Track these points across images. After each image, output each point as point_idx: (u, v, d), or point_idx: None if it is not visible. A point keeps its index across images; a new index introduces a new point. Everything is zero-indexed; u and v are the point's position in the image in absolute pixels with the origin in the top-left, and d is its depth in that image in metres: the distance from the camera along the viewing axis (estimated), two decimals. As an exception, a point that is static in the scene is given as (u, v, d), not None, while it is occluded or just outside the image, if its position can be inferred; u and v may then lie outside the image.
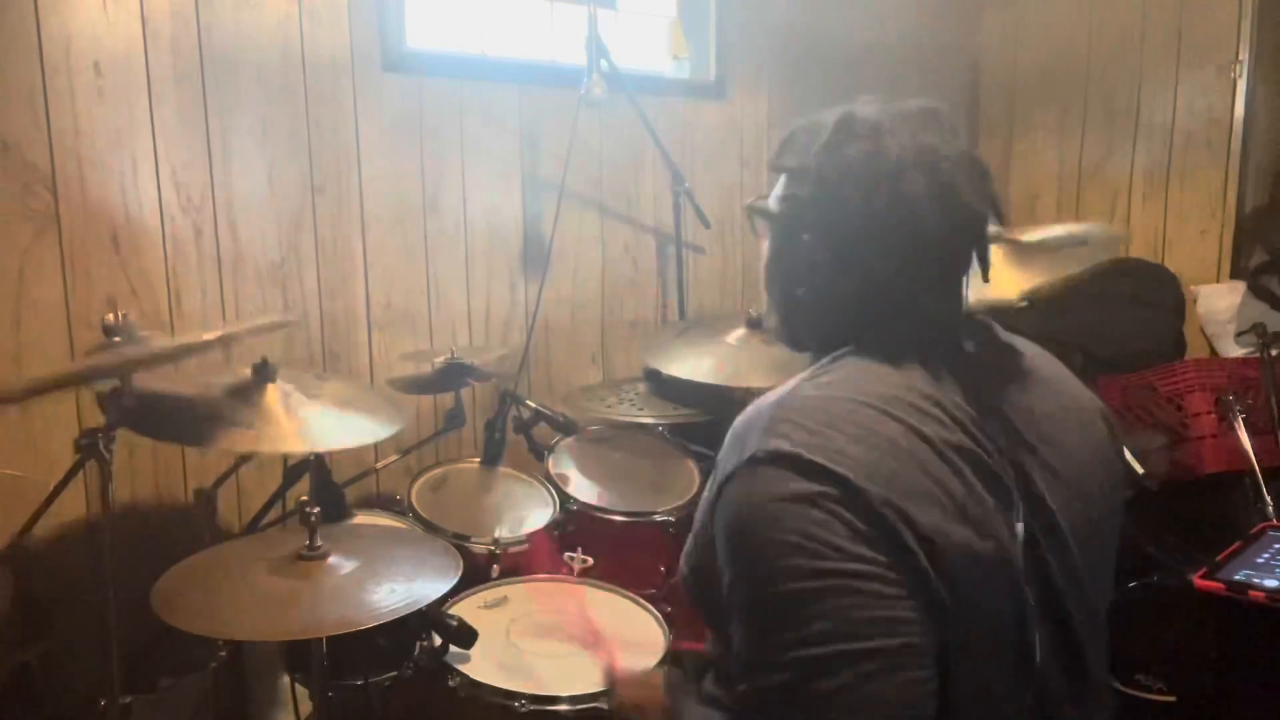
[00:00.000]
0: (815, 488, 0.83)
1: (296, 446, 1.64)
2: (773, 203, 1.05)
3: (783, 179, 1.04)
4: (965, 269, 1.02)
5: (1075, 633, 0.95)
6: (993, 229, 1.83)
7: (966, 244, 1.00)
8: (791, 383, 0.96)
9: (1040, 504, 0.93)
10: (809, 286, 1.01)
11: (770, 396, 0.94)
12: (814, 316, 1.03)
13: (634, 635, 1.69)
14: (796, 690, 0.82)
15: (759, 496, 0.86)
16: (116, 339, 1.52)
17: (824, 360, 0.98)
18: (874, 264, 0.96)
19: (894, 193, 0.94)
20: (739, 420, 0.94)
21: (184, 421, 1.60)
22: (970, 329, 1.02)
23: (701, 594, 0.98)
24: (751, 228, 1.10)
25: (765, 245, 1.08)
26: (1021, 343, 1.06)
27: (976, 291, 1.80)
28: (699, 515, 0.97)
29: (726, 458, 0.92)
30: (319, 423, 1.66)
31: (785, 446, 0.86)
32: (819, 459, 0.84)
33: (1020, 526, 0.90)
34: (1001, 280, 1.85)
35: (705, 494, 0.96)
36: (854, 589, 0.82)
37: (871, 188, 0.94)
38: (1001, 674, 0.89)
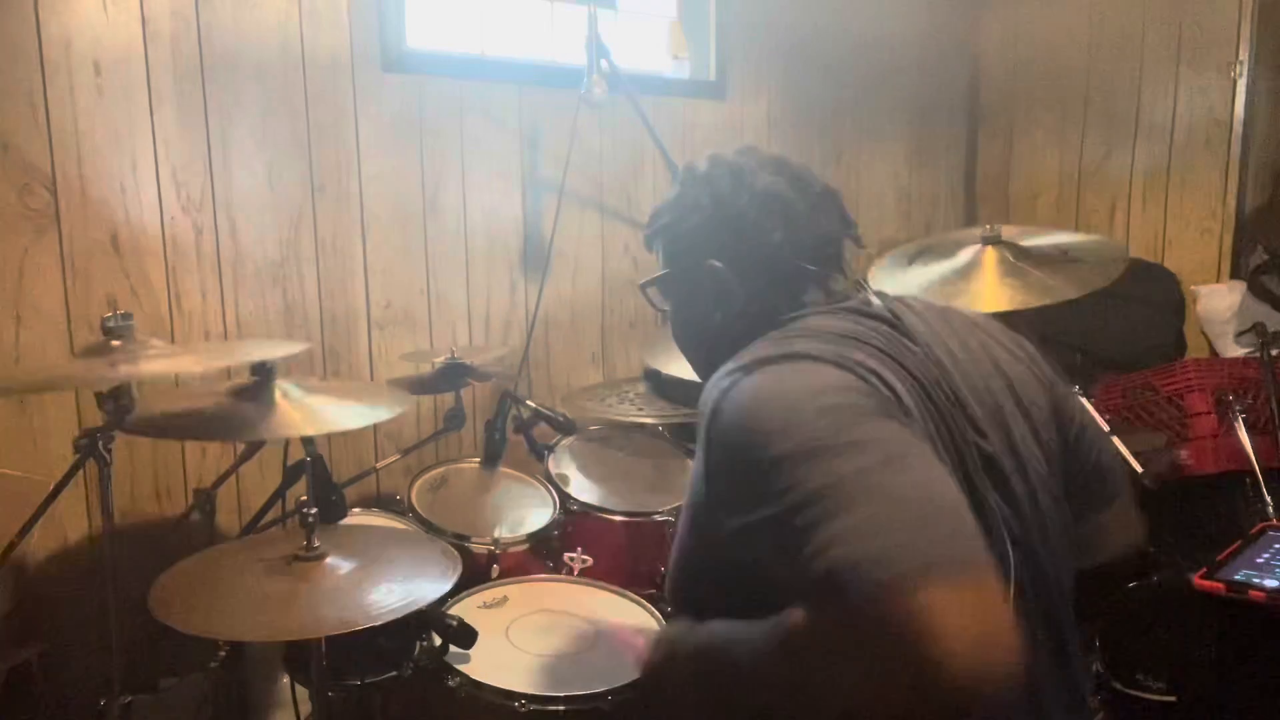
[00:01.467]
0: (820, 367, 0.91)
1: (298, 432, 1.63)
2: (660, 269, 1.19)
3: (659, 247, 1.20)
4: (841, 242, 1.15)
5: (1041, 561, 0.99)
6: (992, 229, 1.86)
7: (832, 217, 1.14)
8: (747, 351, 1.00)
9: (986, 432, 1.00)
10: (723, 306, 1.12)
11: (733, 360, 0.98)
12: (735, 329, 1.09)
13: (634, 635, 1.69)
14: (846, 507, 0.75)
15: (760, 385, 0.90)
16: (116, 342, 1.52)
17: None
18: (767, 255, 1.09)
19: (755, 189, 1.11)
20: (711, 381, 0.98)
21: (186, 421, 1.60)
22: (875, 295, 1.13)
23: (697, 588, 1.01)
24: (653, 305, 1.23)
25: (670, 313, 1.22)
26: (924, 303, 1.14)
27: (969, 302, 1.81)
28: (685, 503, 1.01)
29: (709, 394, 0.95)
30: (320, 410, 1.66)
31: (769, 353, 0.94)
32: (807, 348, 0.93)
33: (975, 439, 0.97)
34: (995, 291, 1.85)
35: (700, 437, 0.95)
36: (884, 415, 0.86)
37: (736, 191, 1.11)
38: None
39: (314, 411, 1.64)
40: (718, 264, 1.11)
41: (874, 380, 0.91)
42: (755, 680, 0.86)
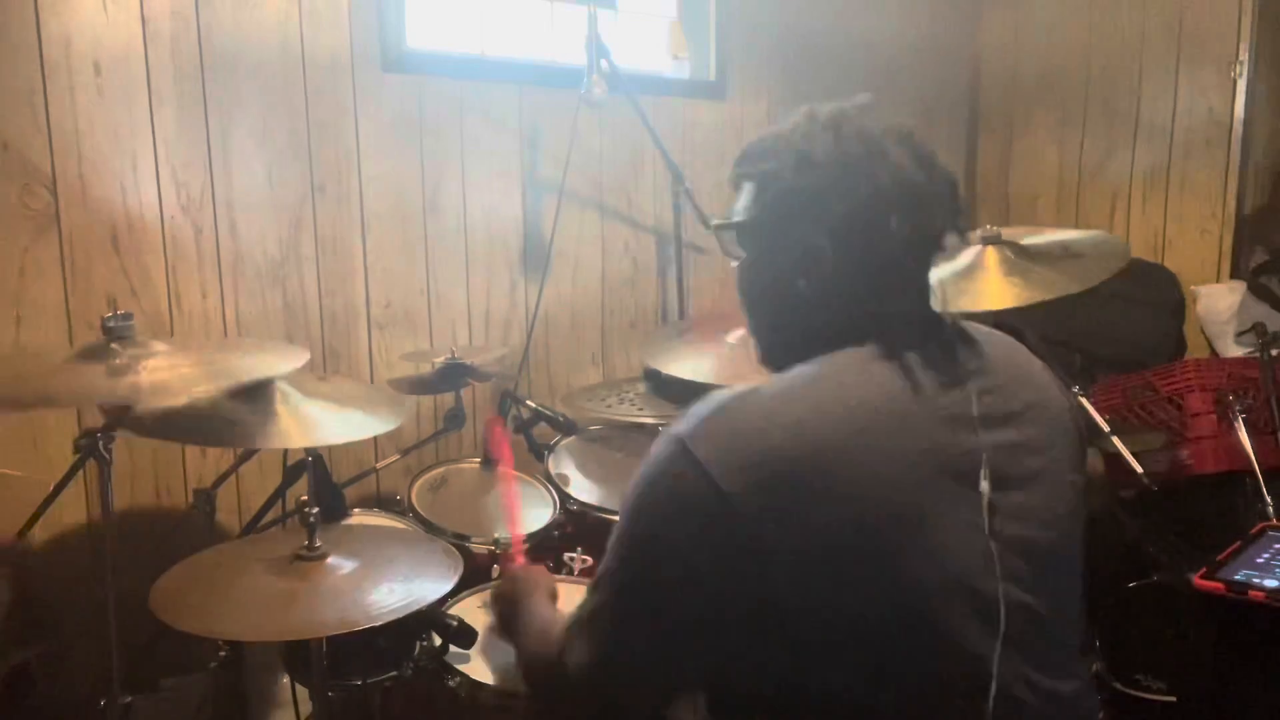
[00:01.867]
0: (690, 475, 0.90)
1: (296, 442, 1.64)
2: (744, 214, 1.06)
3: (748, 189, 1.06)
4: (942, 244, 1.04)
5: (1039, 613, 0.96)
6: (992, 229, 1.86)
7: (952, 211, 1.03)
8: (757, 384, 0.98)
9: (1005, 483, 0.95)
10: (809, 277, 1.00)
11: (734, 388, 0.96)
12: (809, 311, 1.02)
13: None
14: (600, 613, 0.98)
15: (653, 469, 0.95)
16: (115, 344, 1.52)
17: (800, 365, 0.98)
18: (874, 240, 0.97)
19: (888, 164, 0.97)
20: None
21: (185, 423, 1.60)
22: (944, 317, 1.06)
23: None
24: (723, 248, 1.11)
25: (739, 261, 1.10)
26: (988, 333, 1.09)
27: (972, 301, 1.80)
28: None
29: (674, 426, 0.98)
30: (318, 419, 1.66)
31: (690, 435, 0.93)
32: (700, 452, 0.90)
33: (985, 487, 0.93)
34: (999, 289, 1.85)
35: None
36: (696, 560, 0.89)
37: (867, 159, 0.97)
38: (961, 642, 0.91)
39: (312, 421, 1.64)
40: (821, 237, 0.98)
41: (709, 498, 0.89)
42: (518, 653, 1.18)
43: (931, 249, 1.02)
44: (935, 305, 1.05)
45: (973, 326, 1.08)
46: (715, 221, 1.11)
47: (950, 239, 1.03)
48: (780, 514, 0.87)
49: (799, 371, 0.96)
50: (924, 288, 1.03)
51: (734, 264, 1.11)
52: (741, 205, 1.07)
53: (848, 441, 0.89)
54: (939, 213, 1.00)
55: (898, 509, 0.89)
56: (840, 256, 0.98)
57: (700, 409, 0.95)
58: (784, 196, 1.02)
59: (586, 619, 1.00)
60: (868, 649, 0.89)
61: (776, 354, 1.08)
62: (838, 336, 0.98)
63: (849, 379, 0.94)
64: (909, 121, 1.03)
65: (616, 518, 1.00)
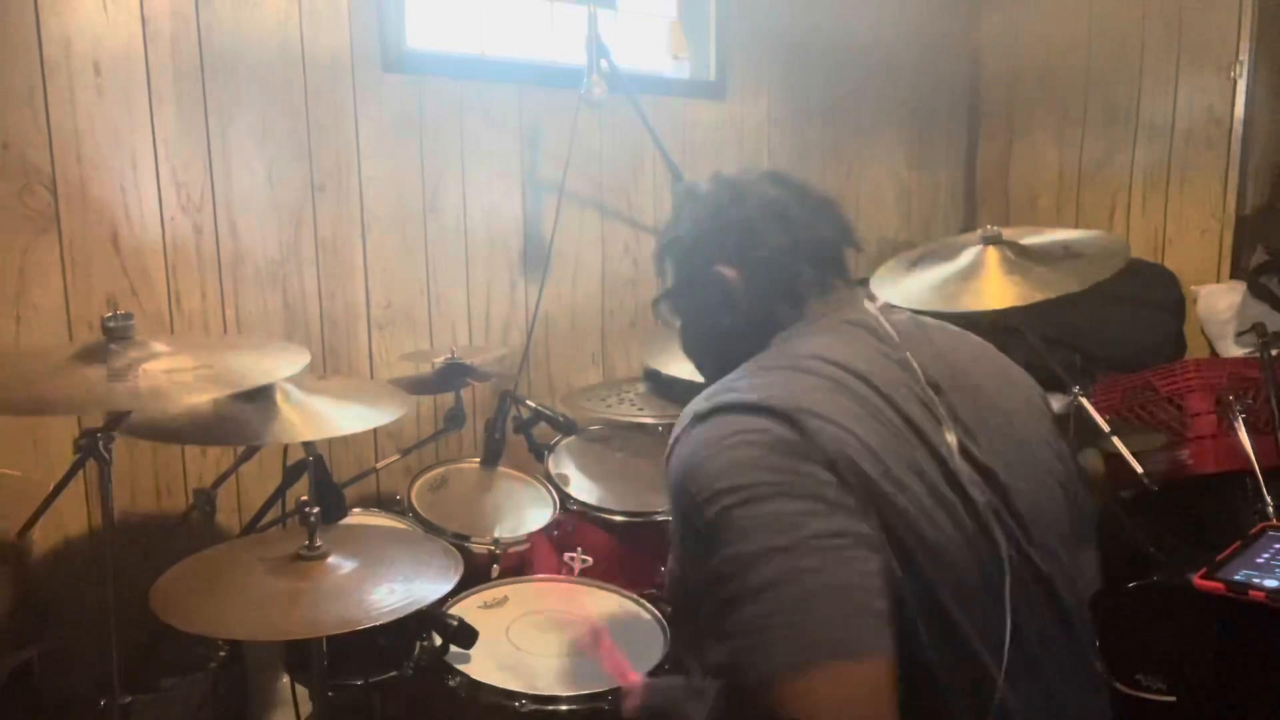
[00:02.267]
0: (755, 421, 0.94)
1: (299, 437, 1.64)
2: (667, 280, 1.25)
3: (668, 264, 1.25)
4: (843, 252, 1.20)
5: (1040, 567, 0.99)
6: (992, 229, 1.87)
7: (837, 225, 1.19)
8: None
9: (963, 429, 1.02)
10: (731, 309, 1.16)
11: (710, 391, 1.05)
12: (742, 333, 1.15)
13: (634, 635, 1.69)
14: (743, 599, 0.86)
15: (699, 443, 0.96)
16: (115, 344, 1.52)
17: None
18: (769, 257, 1.14)
19: (759, 197, 1.16)
20: (689, 406, 1.05)
21: (185, 424, 1.60)
22: (876, 307, 1.16)
23: (680, 603, 1.09)
24: (664, 322, 1.28)
25: (681, 328, 1.27)
26: (940, 324, 1.18)
27: (973, 301, 1.81)
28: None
29: (679, 422, 1.04)
30: (320, 413, 1.67)
31: (720, 399, 0.99)
32: (753, 397, 0.96)
33: (952, 439, 0.99)
34: (999, 289, 1.85)
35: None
36: (792, 494, 0.89)
37: (740, 200, 1.17)
38: (974, 565, 0.94)
39: (314, 415, 1.64)
40: (724, 269, 1.16)
41: (809, 432, 0.92)
42: None
43: (827, 254, 1.17)
44: (863, 305, 1.15)
45: (921, 320, 1.17)
46: (652, 299, 1.30)
47: (844, 246, 1.19)
48: (823, 423, 0.93)
49: (760, 358, 1.09)
50: (839, 290, 1.16)
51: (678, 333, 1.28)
52: (666, 281, 1.26)
53: (840, 378, 1.00)
54: (821, 226, 1.17)
55: (895, 431, 0.97)
56: (747, 281, 1.15)
57: (710, 395, 1.03)
58: (687, 254, 1.22)
59: (744, 631, 0.87)
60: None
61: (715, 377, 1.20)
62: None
63: (816, 343, 1.07)
64: (775, 168, 1.24)
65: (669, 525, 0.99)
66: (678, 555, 0.99)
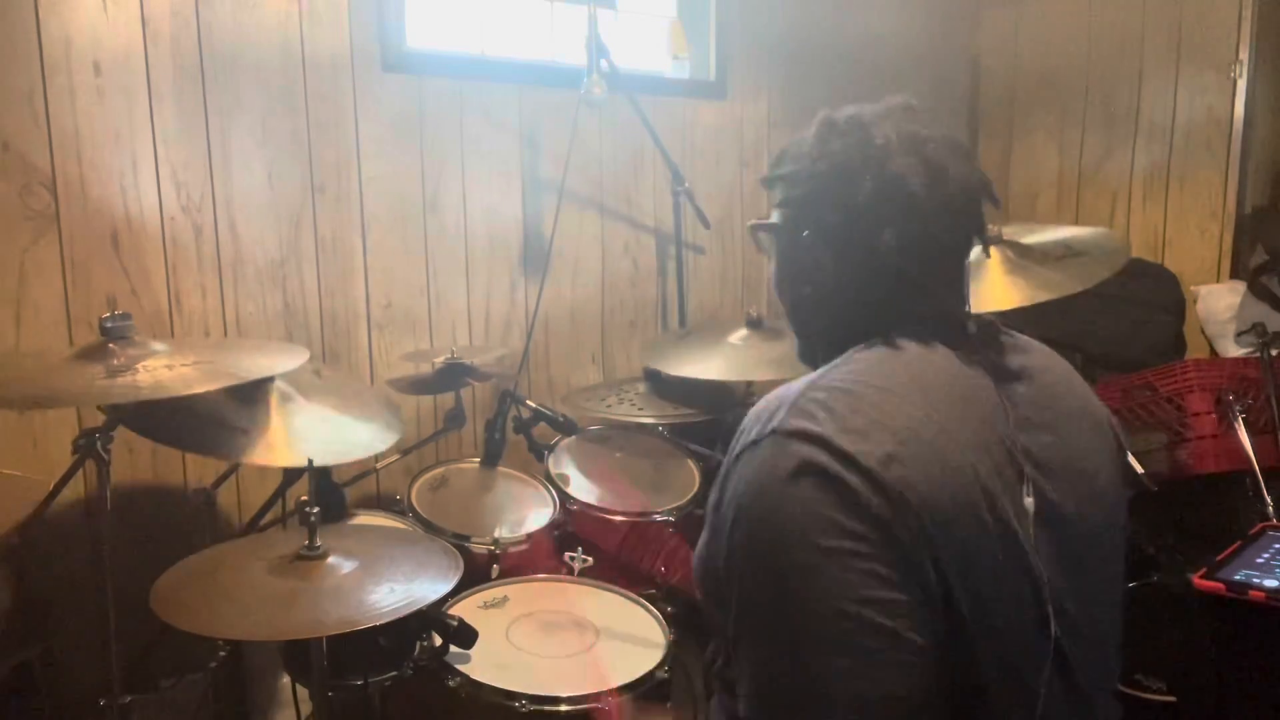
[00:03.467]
0: (831, 466, 0.84)
1: (292, 459, 1.63)
2: (772, 216, 1.09)
3: (777, 191, 1.07)
4: (965, 251, 1.04)
5: (1069, 628, 0.94)
6: (994, 229, 1.85)
7: (962, 223, 1.01)
8: (813, 374, 0.96)
9: (1045, 492, 0.94)
10: (814, 284, 1.04)
11: (795, 384, 0.94)
12: (822, 315, 1.05)
13: (634, 635, 1.69)
14: (790, 669, 0.85)
15: (774, 470, 0.87)
16: (114, 344, 1.52)
17: (837, 360, 0.98)
18: (871, 249, 0.98)
19: (881, 175, 0.97)
20: (762, 401, 0.95)
21: (184, 423, 1.59)
22: (974, 320, 1.04)
23: (710, 591, 0.97)
24: (758, 247, 1.13)
25: (772, 264, 1.11)
26: (1026, 340, 1.07)
27: (977, 303, 1.81)
28: (710, 499, 0.97)
29: (748, 429, 0.93)
30: (316, 432, 1.67)
31: (810, 426, 0.87)
32: (839, 442, 0.85)
33: (1030, 501, 0.92)
34: (1003, 289, 1.86)
35: (722, 469, 0.95)
36: (852, 566, 0.83)
37: (858, 172, 0.98)
38: (1022, 649, 0.90)
39: (309, 432, 1.64)
40: (818, 242, 1.02)
41: (863, 489, 0.84)
42: None
43: (941, 256, 1.01)
44: (965, 309, 1.04)
45: (1011, 334, 1.06)
46: (750, 222, 1.14)
47: (968, 245, 1.03)
48: (911, 486, 0.84)
49: (853, 361, 0.95)
50: (941, 294, 1.02)
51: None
52: (771, 208, 1.10)
53: (936, 420, 0.89)
54: (945, 224, 0.99)
55: (979, 492, 0.88)
56: (839, 268, 1.01)
57: (786, 400, 0.91)
58: (795, 204, 1.05)
59: (767, 684, 0.87)
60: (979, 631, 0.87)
61: (804, 352, 1.12)
62: (852, 341, 0.99)
63: (912, 364, 0.94)
64: (930, 127, 1.01)
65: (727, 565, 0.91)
66: (723, 546, 0.91)
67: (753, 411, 0.95)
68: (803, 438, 0.87)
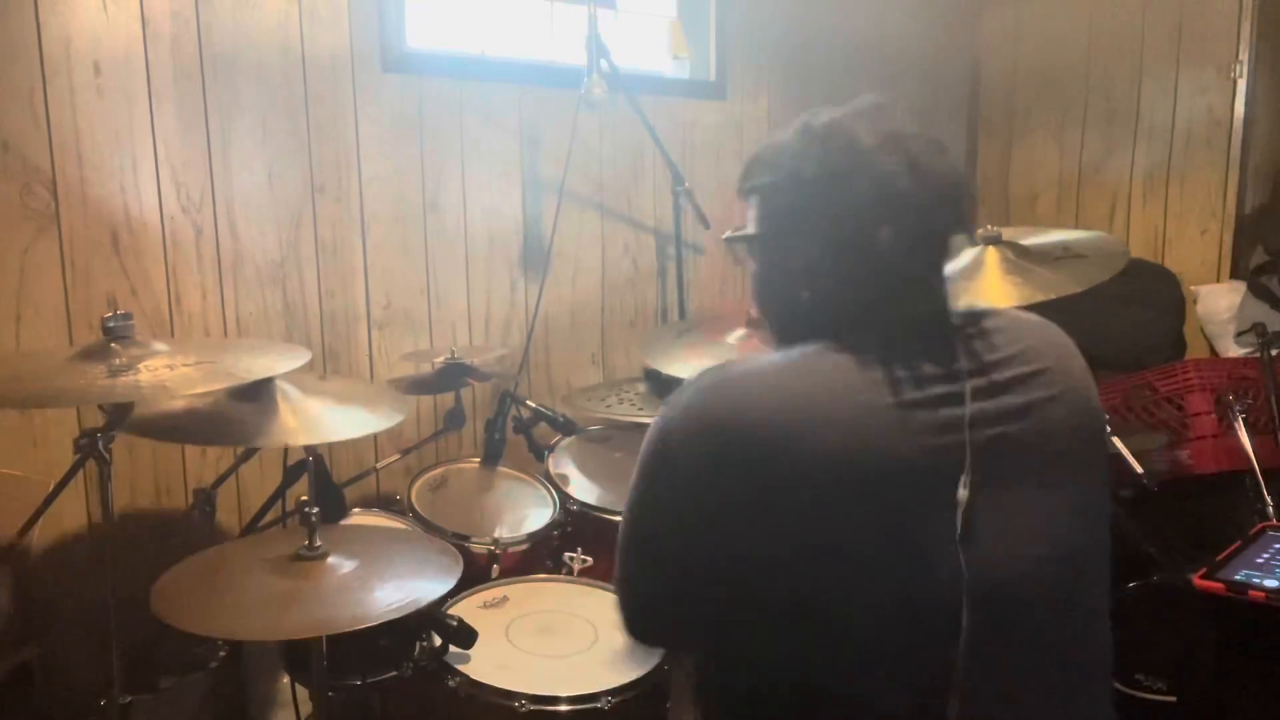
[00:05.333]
0: (712, 434, 0.96)
1: (297, 441, 1.64)
2: (751, 226, 1.10)
3: (754, 202, 1.09)
4: (950, 243, 1.06)
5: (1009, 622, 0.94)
6: (993, 230, 1.85)
7: (951, 214, 1.04)
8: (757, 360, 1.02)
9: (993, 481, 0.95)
10: (812, 289, 1.05)
11: (731, 367, 1.01)
12: (817, 318, 1.05)
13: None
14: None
15: (666, 424, 1.01)
16: (115, 344, 1.52)
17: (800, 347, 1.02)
18: (869, 249, 1.00)
19: (872, 175, 0.99)
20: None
21: (185, 422, 1.60)
22: (959, 313, 1.06)
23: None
24: (733, 259, 1.14)
25: (750, 269, 1.13)
26: (1012, 320, 1.09)
27: (979, 303, 1.81)
28: None
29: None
30: (319, 417, 1.67)
31: (701, 401, 0.99)
32: (725, 413, 0.96)
33: (963, 492, 0.93)
34: (1002, 289, 1.85)
35: None
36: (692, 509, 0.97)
37: (849, 176, 0.99)
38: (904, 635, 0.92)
39: (313, 418, 1.64)
40: (813, 247, 1.03)
41: (752, 443, 0.93)
42: None
43: (934, 251, 1.04)
44: (949, 303, 1.05)
45: (997, 318, 1.08)
46: (725, 234, 1.14)
47: (955, 239, 1.05)
48: (725, 480, 0.95)
49: (772, 358, 1.01)
50: (932, 288, 1.05)
51: (749, 270, 1.14)
52: (749, 217, 1.10)
53: (796, 422, 0.93)
54: (936, 216, 1.02)
55: (836, 499, 0.92)
56: (838, 270, 1.02)
57: (694, 383, 1.03)
58: (781, 213, 1.06)
59: (621, 535, 1.08)
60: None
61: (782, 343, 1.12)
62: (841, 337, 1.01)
63: (818, 366, 0.98)
64: (909, 124, 1.03)
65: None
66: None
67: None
68: (694, 409, 1.00)
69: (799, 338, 1.05)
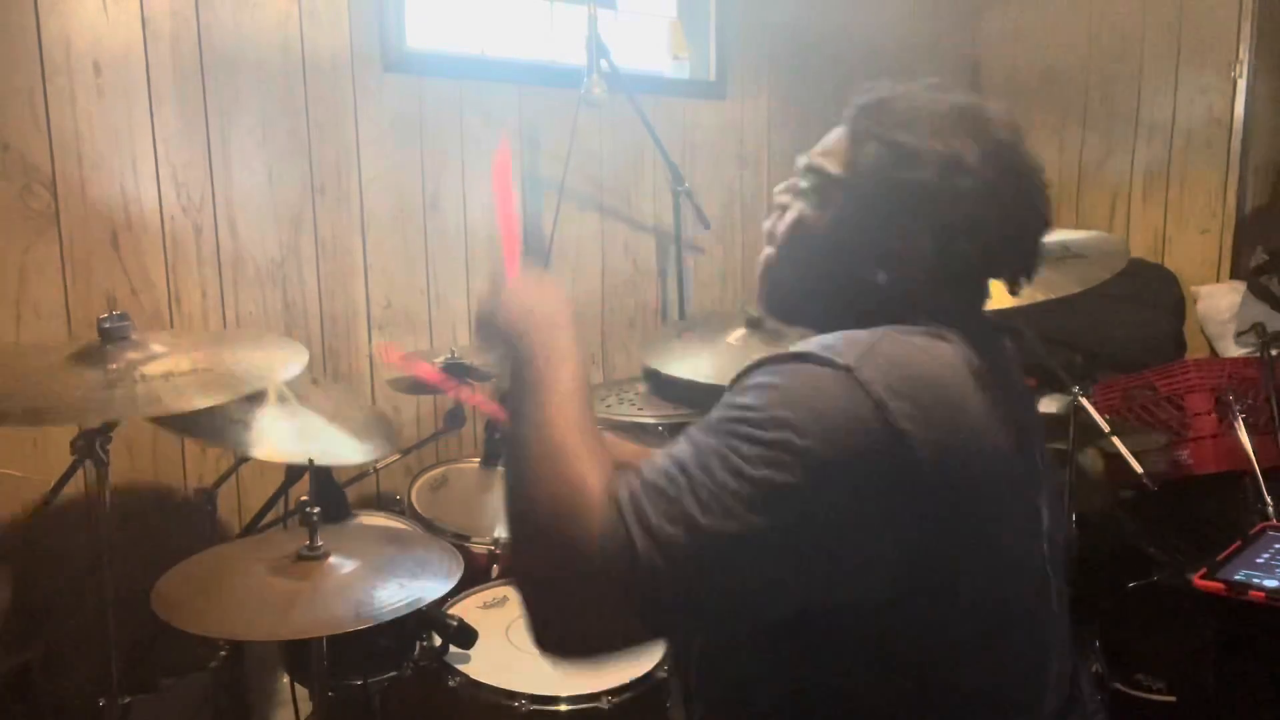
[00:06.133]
0: (870, 413, 0.77)
1: (283, 457, 1.64)
2: (854, 168, 0.94)
3: (870, 149, 0.93)
4: (1018, 269, 1.00)
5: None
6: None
7: (1027, 242, 0.98)
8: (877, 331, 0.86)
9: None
10: (896, 273, 0.92)
11: (863, 334, 0.85)
12: (893, 303, 0.92)
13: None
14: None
15: (810, 380, 0.79)
16: (112, 345, 1.52)
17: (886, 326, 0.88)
18: (981, 254, 0.92)
19: (1030, 188, 0.94)
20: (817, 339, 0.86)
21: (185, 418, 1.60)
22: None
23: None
24: (790, 187, 1.00)
25: (812, 212, 0.97)
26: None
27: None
28: None
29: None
30: (312, 435, 1.67)
31: (866, 373, 0.79)
32: (886, 397, 0.78)
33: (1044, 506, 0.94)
34: (999, 289, 1.86)
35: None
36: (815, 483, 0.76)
37: (1007, 186, 0.91)
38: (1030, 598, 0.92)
39: (305, 433, 1.64)
40: (923, 233, 0.90)
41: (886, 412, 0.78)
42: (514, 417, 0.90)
43: (1006, 257, 0.97)
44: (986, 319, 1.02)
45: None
46: (807, 161, 0.98)
47: (1022, 269, 0.98)
48: (945, 449, 0.79)
49: (898, 328, 0.87)
50: (981, 304, 1.00)
51: (797, 208, 0.99)
52: (845, 157, 0.95)
53: (977, 390, 0.84)
54: (1014, 236, 0.95)
55: (1014, 468, 0.88)
56: (937, 266, 0.91)
57: (830, 343, 0.83)
58: (902, 185, 0.90)
59: (696, 514, 0.76)
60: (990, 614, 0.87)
61: (786, 308, 1.04)
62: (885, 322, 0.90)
63: (957, 342, 0.88)
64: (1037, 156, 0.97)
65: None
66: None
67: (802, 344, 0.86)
68: (857, 379, 0.80)
69: (850, 319, 0.90)
